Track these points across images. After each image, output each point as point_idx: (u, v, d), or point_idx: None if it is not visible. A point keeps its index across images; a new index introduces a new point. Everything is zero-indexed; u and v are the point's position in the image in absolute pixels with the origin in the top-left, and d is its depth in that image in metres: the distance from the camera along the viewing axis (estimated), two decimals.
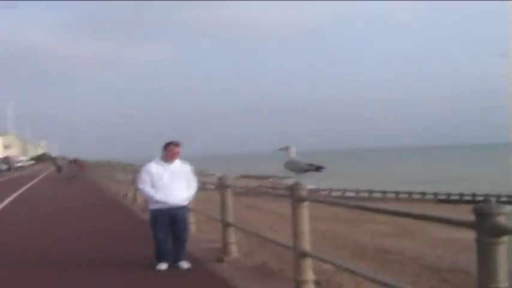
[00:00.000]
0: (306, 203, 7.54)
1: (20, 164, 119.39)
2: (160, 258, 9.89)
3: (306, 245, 7.49)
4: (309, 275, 7.44)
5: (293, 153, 8.24)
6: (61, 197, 30.09)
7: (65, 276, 9.72)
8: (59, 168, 64.15)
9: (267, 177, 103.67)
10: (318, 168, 8.06)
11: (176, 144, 10.01)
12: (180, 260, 9.91)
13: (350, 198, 57.81)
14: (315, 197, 8.22)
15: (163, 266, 9.81)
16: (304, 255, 7.44)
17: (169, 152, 9.95)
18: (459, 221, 5.09)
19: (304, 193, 7.50)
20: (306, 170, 8.05)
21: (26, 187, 40.68)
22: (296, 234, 7.52)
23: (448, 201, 59.05)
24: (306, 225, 7.52)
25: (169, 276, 9.38)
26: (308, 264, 7.48)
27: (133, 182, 22.98)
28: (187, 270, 9.73)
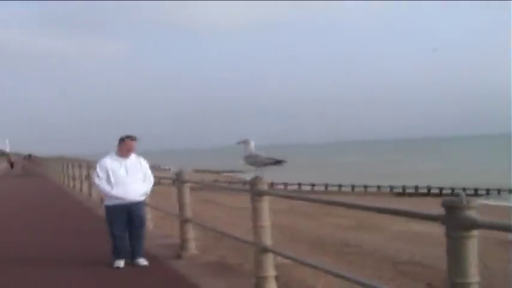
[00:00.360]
0: (266, 197, 7.41)
1: None
2: (117, 255, 9.66)
3: (267, 240, 7.36)
4: (270, 270, 7.32)
5: (252, 146, 8.07)
6: (15, 193, 29.88)
7: (19, 274, 9.50)
8: (12, 165, 63.52)
9: (221, 172, 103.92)
10: (278, 162, 7.88)
11: (132, 138, 9.79)
12: (138, 257, 9.70)
13: (306, 192, 58.18)
14: (276, 191, 8.10)
15: (120, 263, 9.59)
16: (265, 250, 7.31)
17: (124, 146, 9.73)
18: (428, 215, 4.96)
19: (264, 187, 7.40)
20: (265, 164, 7.83)
21: None
22: (256, 228, 7.38)
23: (402, 194, 59.84)
24: (266, 220, 7.39)
25: (127, 274, 9.19)
26: (269, 259, 7.35)
27: (88, 178, 22.82)
28: (145, 267, 9.53)
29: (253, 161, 7.87)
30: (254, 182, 7.44)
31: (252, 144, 8.08)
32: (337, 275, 6.69)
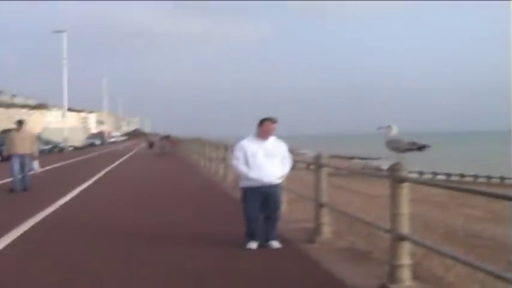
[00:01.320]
0: (407, 184, 7.25)
1: (112, 140, 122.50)
2: (250, 237, 9.81)
3: (405, 228, 7.22)
4: (406, 259, 7.21)
5: (394, 131, 7.92)
6: (152, 173, 30.61)
7: (153, 251, 9.80)
8: (150, 144, 65.30)
9: (356, 158, 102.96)
10: (421, 148, 7.70)
11: (272, 120, 9.80)
12: (271, 239, 9.83)
13: (443, 181, 56.97)
14: (417, 179, 7.83)
15: (253, 244, 9.73)
16: (401, 238, 7.19)
17: (264, 128, 9.77)
18: None
19: (404, 173, 7.22)
20: (408, 149, 7.69)
21: (117, 162, 41.45)
22: (394, 216, 7.26)
23: None
24: (405, 207, 7.25)
25: (260, 256, 9.30)
26: (405, 248, 7.23)
27: (225, 160, 23.21)
28: (277, 250, 9.64)
29: (396, 146, 7.71)
30: (395, 167, 7.26)
31: (395, 129, 7.96)
32: (470, 265, 6.62)
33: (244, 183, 9.94)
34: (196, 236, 11.12)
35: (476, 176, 62.53)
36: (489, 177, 61.11)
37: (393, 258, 7.22)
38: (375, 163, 78.19)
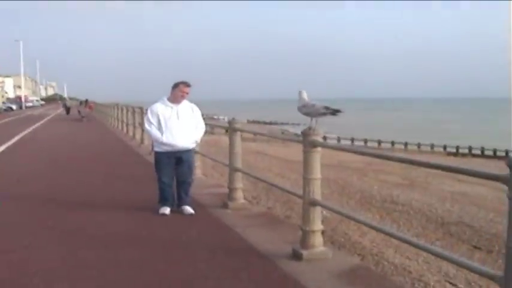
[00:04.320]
0: (319, 149, 7.12)
1: (30, 104, 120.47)
2: (163, 202, 9.66)
3: (317, 194, 7.09)
4: (318, 225, 7.11)
5: (305, 96, 7.72)
6: (67, 137, 30.02)
7: (63, 216, 9.58)
8: (67, 110, 64.08)
9: (274, 123, 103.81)
10: (335, 112, 7.42)
11: (186, 84, 9.59)
12: (184, 204, 9.68)
13: (360, 147, 57.71)
14: (329, 144, 7.66)
15: (166, 210, 9.57)
16: (313, 204, 7.08)
17: (178, 91, 9.55)
18: (489, 174, 4.62)
19: (317, 138, 7.10)
20: (322, 114, 7.40)
21: (34, 126, 40.62)
22: (306, 181, 7.12)
23: (456, 153, 59.14)
24: (317, 173, 7.11)
25: (172, 221, 9.15)
26: (317, 213, 7.13)
27: (141, 124, 22.94)
28: (190, 215, 9.49)
29: (309, 110, 7.46)
30: (307, 132, 7.13)
31: (305, 94, 7.78)
32: (383, 232, 6.55)
33: (157, 148, 9.74)
34: (108, 202, 10.86)
35: (393, 143, 63.81)
36: (406, 144, 62.49)
37: (305, 223, 7.11)
38: (294, 128, 79.00)
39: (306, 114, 7.52)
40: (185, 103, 9.69)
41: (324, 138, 58.58)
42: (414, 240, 6.74)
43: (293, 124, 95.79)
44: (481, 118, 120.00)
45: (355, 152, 8.48)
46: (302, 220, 7.24)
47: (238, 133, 10.51)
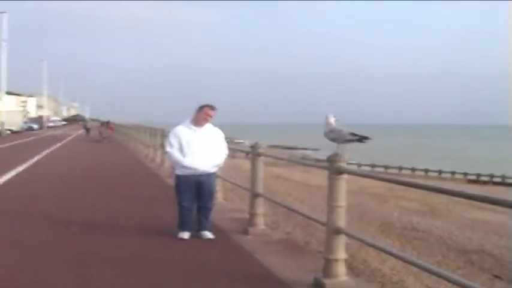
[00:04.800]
0: (345, 176, 6.97)
1: (51, 124, 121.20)
2: (183, 227, 9.53)
3: (341, 222, 6.95)
4: (341, 253, 6.95)
5: (333, 121, 7.53)
6: (86, 158, 30.13)
7: (84, 240, 9.44)
8: (88, 130, 64.17)
9: (296, 148, 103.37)
10: (362, 139, 7.32)
11: (212, 107, 9.49)
12: (204, 229, 9.55)
13: (381, 173, 57.38)
14: (356, 170, 7.46)
15: (185, 234, 9.45)
16: (337, 232, 6.92)
17: (202, 114, 9.44)
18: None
19: (344, 165, 6.95)
20: (348, 140, 7.31)
21: (55, 146, 40.66)
22: (331, 208, 6.97)
23: (476, 181, 58.66)
24: (342, 200, 6.98)
25: (191, 246, 9.01)
26: (341, 241, 6.97)
27: (162, 146, 22.91)
28: (210, 240, 9.37)
29: (335, 136, 7.35)
30: (333, 158, 6.97)
31: (333, 118, 7.65)
32: (404, 260, 6.47)
33: (179, 171, 9.61)
34: (125, 224, 10.79)
35: (413, 169, 63.37)
36: (426, 171, 62.07)
37: (328, 251, 6.97)
38: (315, 154, 78.62)
39: (333, 139, 7.36)
40: (208, 126, 9.60)
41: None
42: (434, 268, 6.64)
43: (314, 150, 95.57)
44: (500, 145, 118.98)
45: (381, 179, 8.28)
46: (325, 248, 7.11)
47: (261, 158, 10.39)
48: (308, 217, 9.07)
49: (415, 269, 9.27)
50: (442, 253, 13.06)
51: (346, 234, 7.08)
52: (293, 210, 10.01)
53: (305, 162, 35.96)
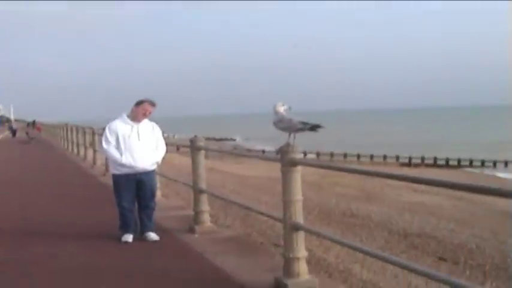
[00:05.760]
0: (299, 168, 6.53)
1: None
2: (125, 229, 8.96)
3: (299, 217, 6.49)
4: (302, 251, 6.50)
5: (282, 110, 7.05)
6: (17, 160, 29.18)
7: (13, 249, 8.81)
8: (13, 132, 62.61)
9: (224, 139, 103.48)
10: (314, 127, 6.78)
11: (152, 103, 9.00)
12: (148, 230, 9.01)
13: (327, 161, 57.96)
14: (309, 161, 6.91)
15: (129, 237, 8.88)
16: (296, 228, 6.46)
17: (141, 109, 8.90)
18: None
19: (297, 156, 6.52)
20: (299, 129, 6.77)
21: None
22: (287, 204, 6.50)
23: (409, 164, 59.71)
24: (298, 194, 6.50)
25: (137, 250, 8.44)
26: (301, 238, 6.50)
27: (92, 144, 22.46)
28: (155, 242, 8.83)
29: (285, 125, 6.87)
30: (285, 149, 6.52)
31: (283, 108, 7.28)
32: (351, 247, 6.28)
33: (115, 170, 9.01)
34: (64, 230, 10.06)
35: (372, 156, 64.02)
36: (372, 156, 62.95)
37: (288, 250, 6.53)
38: (246, 143, 78.91)
39: (283, 129, 6.88)
40: (145, 122, 9.10)
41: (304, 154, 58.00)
42: (380, 253, 6.45)
43: (245, 139, 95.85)
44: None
45: (341, 170, 7.88)
46: (284, 246, 6.67)
47: (202, 152, 9.91)
48: (262, 213, 8.59)
49: (359, 256, 9.18)
50: (385, 238, 13.12)
51: (306, 230, 6.73)
52: (246, 207, 9.50)
53: (255, 155, 35.67)
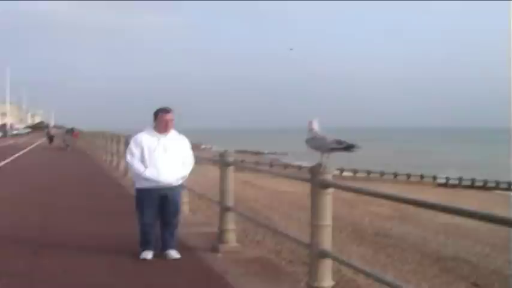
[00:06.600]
0: (331, 190, 6.11)
1: (15, 132, 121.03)
2: (145, 246, 8.60)
3: (327, 244, 6.06)
4: (328, 280, 6.08)
5: (316, 127, 6.63)
6: (46, 168, 29.25)
7: (32, 260, 8.55)
8: (50, 138, 62.74)
9: (264, 153, 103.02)
10: (349, 147, 6.38)
11: (165, 110, 8.65)
12: (169, 248, 8.64)
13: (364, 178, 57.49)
14: (342, 184, 6.32)
15: (148, 254, 8.52)
16: (323, 255, 6.04)
17: (160, 121, 8.59)
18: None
19: (329, 177, 6.09)
20: (332, 149, 6.36)
21: (16, 155, 39.66)
22: (314, 228, 6.10)
23: (445, 185, 58.86)
24: (328, 219, 6.07)
25: (155, 268, 8.07)
26: (327, 267, 6.10)
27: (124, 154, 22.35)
28: (176, 261, 8.45)
29: (318, 144, 6.46)
30: (317, 170, 6.12)
31: (317, 124, 6.63)
32: (379, 281, 5.68)
33: (139, 184, 8.66)
34: (83, 244, 9.76)
35: (409, 175, 63.23)
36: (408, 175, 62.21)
37: (313, 278, 6.13)
38: (283, 158, 78.56)
39: (315, 148, 6.48)
40: (173, 133, 8.75)
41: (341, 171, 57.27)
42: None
43: (282, 154, 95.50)
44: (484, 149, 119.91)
45: (372, 195, 7.31)
46: (309, 274, 6.26)
47: (231, 168, 9.52)
48: (289, 237, 8.20)
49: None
50: (417, 260, 12.82)
51: (334, 258, 6.24)
52: (269, 229, 9.15)
53: (285, 174, 35.04)
